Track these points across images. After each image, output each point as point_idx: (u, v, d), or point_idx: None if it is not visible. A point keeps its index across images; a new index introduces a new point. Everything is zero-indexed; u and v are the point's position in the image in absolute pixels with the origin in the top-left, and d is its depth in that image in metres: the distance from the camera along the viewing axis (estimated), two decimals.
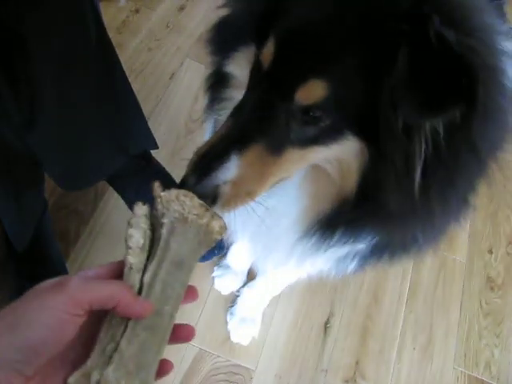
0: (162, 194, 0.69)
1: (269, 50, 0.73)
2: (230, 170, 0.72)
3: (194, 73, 2.26)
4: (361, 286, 1.97)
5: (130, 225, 0.67)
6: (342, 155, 0.77)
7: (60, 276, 0.62)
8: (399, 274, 2.02)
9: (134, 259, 0.65)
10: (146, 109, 1.87)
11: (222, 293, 1.82)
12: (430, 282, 2.02)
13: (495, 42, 0.75)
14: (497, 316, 2.01)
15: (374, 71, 0.68)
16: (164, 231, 0.67)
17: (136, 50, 2.29)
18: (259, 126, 0.74)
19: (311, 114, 0.72)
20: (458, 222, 0.94)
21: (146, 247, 0.67)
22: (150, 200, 0.70)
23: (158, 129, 2.04)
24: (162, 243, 0.67)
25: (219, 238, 0.73)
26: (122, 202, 1.80)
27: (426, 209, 0.78)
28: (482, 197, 2.11)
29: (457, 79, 0.62)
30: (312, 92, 0.70)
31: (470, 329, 1.97)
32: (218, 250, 1.74)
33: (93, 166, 1.46)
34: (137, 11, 2.41)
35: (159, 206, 0.68)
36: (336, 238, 0.88)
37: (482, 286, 2.07)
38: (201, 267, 1.83)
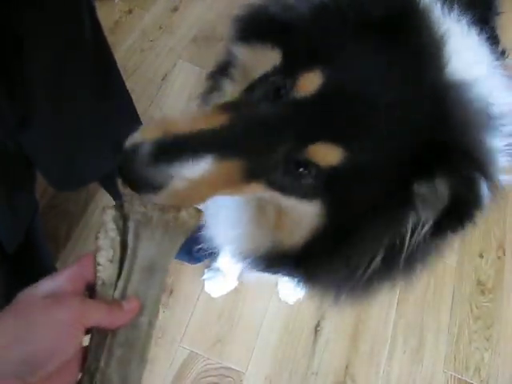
0: (126, 190, 0.64)
1: (311, 84, 0.67)
2: (196, 170, 0.63)
3: (187, 74, 2.25)
4: None
5: (97, 237, 0.65)
6: (298, 209, 0.74)
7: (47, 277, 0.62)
8: None
9: (105, 274, 0.65)
10: (138, 110, 1.87)
11: (212, 295, 1.82)
12: (420, 286, 2.02)
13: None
14: (487, 320, 2.02)
15: (394, 170, 0.66)
16: (130, 237, 0.65)
17: (129, 51, 2.28)
18: (252, 148, 0.67)
19: (305, 170, 0.68)
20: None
21: (117, 256, 0.66)
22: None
23: None
24: (129, 251, 0.65)
25: (195, 225, 0.69)
26: (113, 202, 1.78)
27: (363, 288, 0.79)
28: None
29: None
30: (327, 156, 0.66)
31: (460, 332, 1.97)
32: (207, 255, 1.73)
33: (88, 166, 1.45)
34: (130, 12, 2.40)
35: (126, 204, 0.66)
36: (265, 269, 0.87)
37: (472, 289, 2.08)
38: (191, 270, 1.83)
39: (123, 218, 0.67)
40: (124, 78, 2.13)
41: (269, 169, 0.69)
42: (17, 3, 0.97)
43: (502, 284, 2.12)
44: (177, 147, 0.63)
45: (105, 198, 1.86)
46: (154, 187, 0.62)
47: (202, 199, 0.70)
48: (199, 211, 0.69)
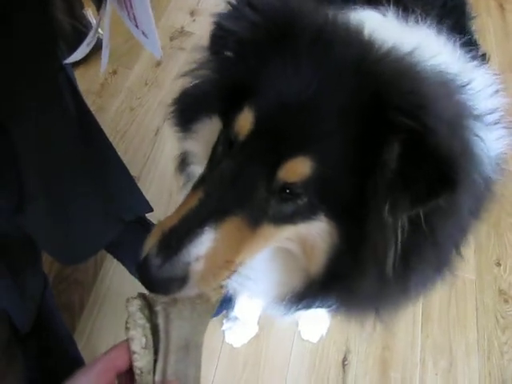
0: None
1: (246, 122, 0.71)
2: (204, 245, 0.67)
3: None
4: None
5: (127, 327, 0.66)
6: (309, 235, 0.75)
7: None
8: None
9: (142, 362, 0.65)
10: (134, 169, 1.88)
11: (234, 345, 1.79)
12: (442, 304, 1.99)
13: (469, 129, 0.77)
14: None
15: (361, 154, 0.68)
16: (160, 321, 0.67)
17: (118, 111, 2.31)
18: (238, 199, 0.70)
19: (291, 191, 0.71)
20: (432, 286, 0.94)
21: (150, 341, 0.67)
22: None
23: (149, 188, 2.04)
24: (161, 334, 0.66)
25: (218, 299, 0.73)
26: (122, 267, 1.78)
27: (399, 287, 0.78)
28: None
29: (444, 176, 0.63)
30: (297, 170, 0.69)
31: (490, 346, 1.93)
32: (226, 305, 1.72)
33: (89, 238, 1.45)
34: (114, 72, 2.44)
35: (149, 294, 0.68)
36: (302, 305, 0.88)
37: (495, 300, 2.04)
38: (210, 323, 1.80)
39: (148, 305, 0.69)
40: (116, 138, 2.18)
41: (263, 206, 0.72)
42: None
43: None
44: (177, 236, 0.67)
45: (114, 264, 1.86)
46: (180, 280, 0.66)
47: (231, 268, 0.73)
48: (221, 285, 0.72)
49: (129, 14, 0.88)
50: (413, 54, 0.74)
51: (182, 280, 0.66)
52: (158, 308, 0.68)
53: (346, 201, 0.71)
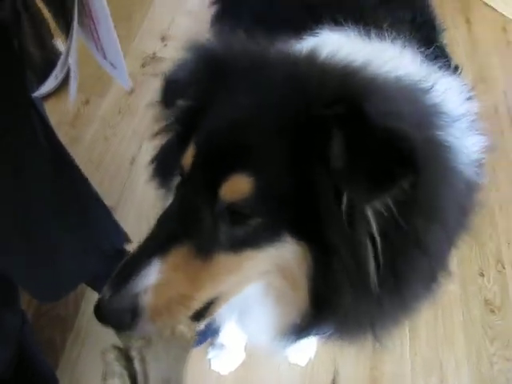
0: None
1: (189, 156, 0.74)
2: (150, 276, 0.68)
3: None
4: None
5: (105, 378, 0.65)
6: (282, 262, 0.74)
7: None
8: None
9: None
10: (111, 199, 1.85)
11: (222, 373, 1.75)
12: (428, 319, 1.97)
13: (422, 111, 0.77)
14: (503, 339, 1.96)
15: (302, 160, 0.68)
16: (137, 365, 0.65)
17: (92, 141, 2.28)
18: (184, 228, 0.71)
19: (238, 211, 0.70)
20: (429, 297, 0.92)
21: None
22: None
23: (127, 218, 2.00)
24: (139, 377, 0.65)
25: (193, 335, 0.72)
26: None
27: (389, 300, 0.75)
28: None
29: (397, 152, 0.62)
30: (236, 187, 0.69)
31: (479, 358, 1.91)
32: (210, 333, 1.68)
33: (67, 275, 1.41)
34: (87, 102, 2.41)
35: (121, 339, 0.67)
36: (300, 337, 0.86)
37: (481, 310, 2.03)
38: (195, 353, 1.76)
39: (124, 352, 0.68)
40: (91, 168, 2.15)
41: (211, 232, 0.71)
42: None
43: (509, 298, 2.08)
44: (127, 269, 0.69)
45: (95, 296, 1.81)
46: (128, 311, 0.67)
47: (190, 304, 0.72)
48: (192, 321, 0.72)
49: (96, 45, 0.87)
50: (351, 63, 0.75)
51: (132, 312, 0.67)
52: (134, 353, 0.67)
53: (303, 215, 0.69)
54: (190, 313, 0.74)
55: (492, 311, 2.03)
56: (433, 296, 0.92)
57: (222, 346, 1.73)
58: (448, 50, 1.21)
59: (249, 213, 0.70)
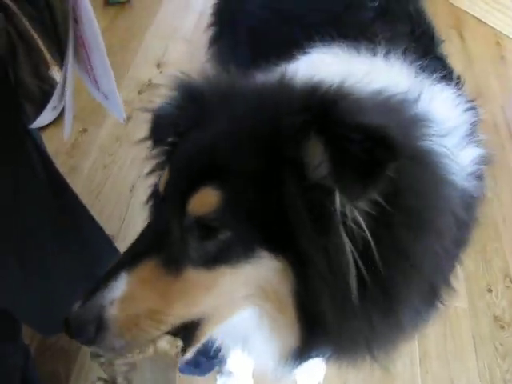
0: (101, 358, 0.69)
1: (164, 177, 0.77)
2: (117, 288, 0.68)
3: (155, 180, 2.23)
4: None
5: None
6: (264, 283, 0.73)
7: None
8: None
9: None
10: (112, 227, 1.84)
11: None
12: (437, 337, 1.94)
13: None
14: None
15: (270, 172, 0.68)
16: None
17: (91, 170, 2.27)
18: (153, 243, 0.72)
19: (207, 225, 0.70)
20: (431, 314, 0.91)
21: None
22: None
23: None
24: None
25: (177, 351, 0.71)
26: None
27: (381, 318, 0.74)
28: None
29: (375, 141, 0.61)
30: (203, 200, 0.70)
31: (492, 375, 1.87)
32: (217, 361, 1.66)
33: (68, 305, 1.39)
34: (85, 131, 2.41)
35: (106, 369, 0.66)
36: (301, 360, 0.84)
37: (491, 327, 2.00)
38: (204, 380, 1.74)
39: (110, 382, 0.68)
40: (91, 197, 2.13)
41: (181, 247, 0.71)
42: None
43: None
44: (97, 283, 0.70)
45: None
46: (93, 322, 0.66)
47: (161, 320, 0.71)
48: (175, 338, 0.71)
49: (89, 76, 0.86)
50: (324, 79, 0.76)
51: (97, 323, 0.66)
52: (119, 380, 0.65)
53: (274, 227, 0.69)
54: (165, 328, 0.72)
55: (502, 327, 2.00)
56: (437, 313, 0.90)
57: (229, 373, 1.72)
58: (448, 61, 1.21)
59: (217, 226, 0.70)
